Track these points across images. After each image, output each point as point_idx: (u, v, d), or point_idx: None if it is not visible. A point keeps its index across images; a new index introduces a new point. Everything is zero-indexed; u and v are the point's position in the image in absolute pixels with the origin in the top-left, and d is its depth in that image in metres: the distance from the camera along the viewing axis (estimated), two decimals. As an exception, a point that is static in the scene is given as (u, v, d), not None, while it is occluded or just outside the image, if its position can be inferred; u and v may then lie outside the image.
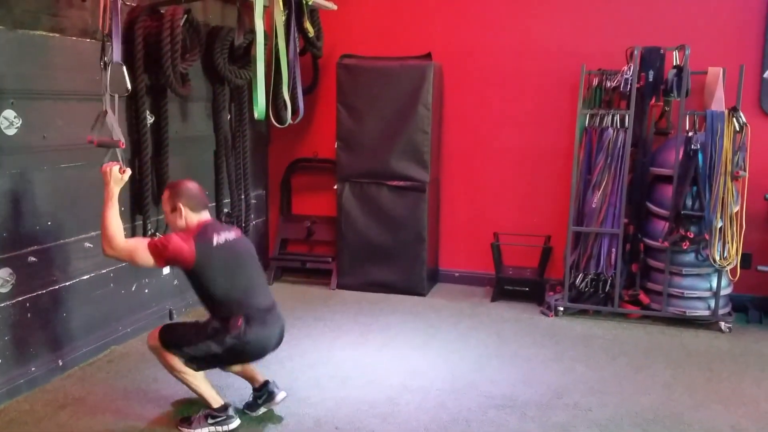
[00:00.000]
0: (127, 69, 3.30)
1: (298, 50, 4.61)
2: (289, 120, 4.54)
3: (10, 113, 3.17)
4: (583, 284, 4.67)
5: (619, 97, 4.59)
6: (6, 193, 3.23)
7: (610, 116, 4.52)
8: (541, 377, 3.70)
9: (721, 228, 4.35)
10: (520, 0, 5.10)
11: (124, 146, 3.17)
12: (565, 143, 4.99)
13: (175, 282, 4.44)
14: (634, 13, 4.85)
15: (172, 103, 4.22)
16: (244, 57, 4.57)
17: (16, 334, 3.32)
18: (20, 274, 3.31)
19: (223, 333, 2.98)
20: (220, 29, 4.48)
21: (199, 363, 3.04)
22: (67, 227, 3.60)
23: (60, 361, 3.61)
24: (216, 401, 3.09)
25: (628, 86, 4.41)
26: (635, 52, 4.40)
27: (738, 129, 4.26)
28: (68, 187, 3.58)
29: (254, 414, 3.20)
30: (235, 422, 3.09)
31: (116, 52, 3.15)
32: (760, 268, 4.63)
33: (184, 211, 3.05)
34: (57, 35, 3.45)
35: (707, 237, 4.34)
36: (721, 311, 4.46)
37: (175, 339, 3.02)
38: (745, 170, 4.35)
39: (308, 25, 4.69)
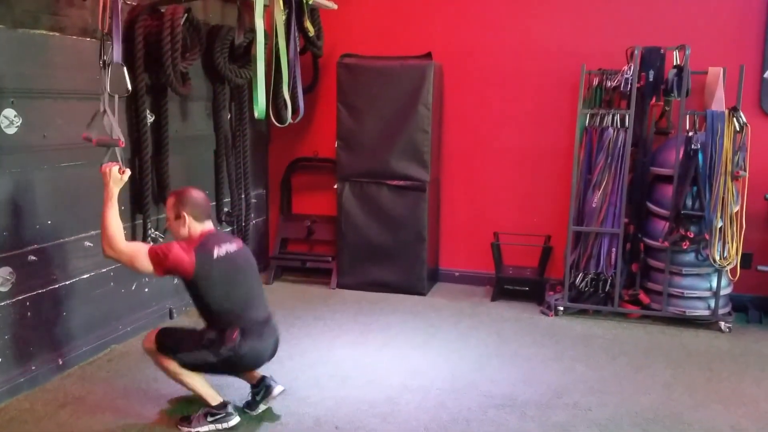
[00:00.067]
0: (128, 68, 3.30)
1: (298, 49, 4.60)
2: (290, 119, 4.53)
3: (10, 112, 3.17)
4: (583, 284, 4.67)
5: (620, 97, 4.59)
6: (6, 192, 3.23)
7: (611, 116, 4.52)
8: (541, 377, 3.70)
9: (721, 228, 4.35)
10: (521, 0, 5.10)
11: (123, 145, 3.18)
12: (565, 143, 4.99)
13: (175, 281, 4.42)
14: (635, 13, 4.84)
15: (173, 102, 4.22)
16: (244, 56, 4.57)
17: (16, 333, 3.33)
18: (20, 273, 3.31)
19: (218, 344, 3.01)
20: (220, 28, 4.49)
21: (194, 368, 3.06)
22: (67, 226, 3.60)
23: (60, 360, 3.61)
24: (214, 399, 3.10)
25: (629, 86, 4.41)
26: (635, 52, 4.40)
27: (738, 129, 4.26)
28: (68, 186, 3.58)
29: (254, 412, 3.20)
30: (235, 419, 3.10)
31: (116, 52, 3.15)
32: (760, 268, 4.63)
33: (188, 219, 3.06)
34: (57, 34, 3.45)
35: (707, 237, 4.34)
36: (721, 311, 4.46)
37: (170, 344, 3.05)
38: (745, 170, 4.34)
39: (308, 25, 4.68)
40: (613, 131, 4.51)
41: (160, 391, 3.40)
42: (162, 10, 3.95)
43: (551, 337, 4.31)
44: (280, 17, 4.35)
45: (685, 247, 4.37)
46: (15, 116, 3.20)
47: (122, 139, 3.16)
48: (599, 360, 3.95)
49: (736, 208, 4.36)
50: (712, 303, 4.44)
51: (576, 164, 4.61)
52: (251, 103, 4.46)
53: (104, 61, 3.17)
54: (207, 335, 3.04)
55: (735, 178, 4.30)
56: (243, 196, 4.90)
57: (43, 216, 3.45)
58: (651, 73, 4.41)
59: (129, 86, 3.32)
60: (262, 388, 3.21)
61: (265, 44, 4.06)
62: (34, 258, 3.40)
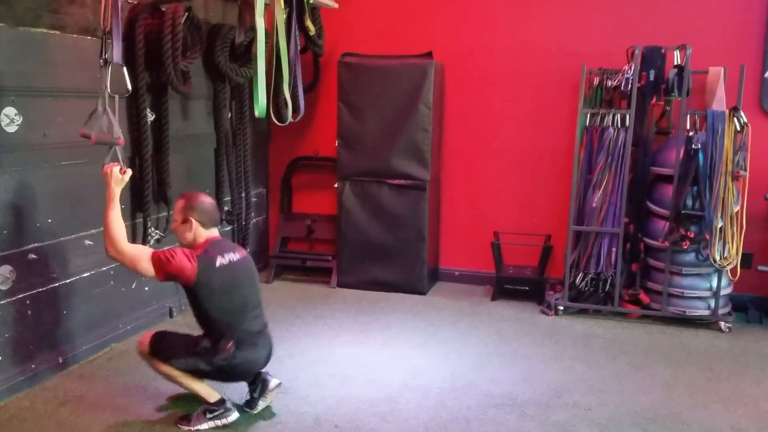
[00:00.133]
0: (128, 67, 3.31)
1: (299, 48, 4.59)
2: (290, 118, 4.53)
3: (10, 110, 3.17)
4: (583, 283, 4.67)
5: (620, 97, 4.59)
6: (6, 191, 3.23)
7: (611, 115, 4.52)
8: (541, 376, 3.70)
9: (721, 228, 4.35)
10: (521, 0, 5.10)
11: (123, 144, 3.17)
12: (565, 143, 4.99)
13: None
14: (635, 12, 4.84)
15: (173, 100, 4.22)
16: (244, 55, 4.57)
17: (16, 332, 3.33)
18: (20, 272, 3.31)
19: (212, 354, 3.03)
20: (221, 27, 4.49)
21: (186, 372, 3.07)
22: (68, 225, 3.60)
23: (60, 358, 3.61)
24: (212, 396, 3.11)
25: (629, 85, 4.41)
26: (636, 52, 4.40)
27: (739, 129, 4.26)
28: (68, 185, 3.58)
29: (255, 411, 3.20)
30: (234, 414, 3.11)
31: (117, 51, 3.15)
32: (760, 268, 4.63)
33: (195, 225, 3.07)
34: (58, 33, 3.45)
35: (707, 237, 4.34)
36: (721, 311, 4.46)
37: (164, 350, 3.06)
38: (745, 170, 4.34)
39: (309, 23, 4.68)
40: (614, 131, 4.51)
41: (160, 390, 3.40)
42: (163, 9, 3.95)
43: (551, 337, 4.31)
44: (280, 16, 4.34)
45: (686, 247, 4.37)
46: (15, 115, 3.20)
47: (122, 138, 3.16)
48: (599, 360, 3.95)
49: (737, 208, 4.36)
50: (712, 303, 4.44)
51: (576, 164, 4.60)
52: (252, 102, 4.45)
53: (105, 60, 3.17)
54: (201, 343, 3.06)
55: (735, 178, 4.30)
56: (243, 194, 4.90)
57: (44, 214, 3.45)
58: (652, 73, 4.41)
59: (129, 86, 3.31)
60: (258, 384, 3.21)
61: (266, 43, 4.06)
62: (34, 256, 3.40)
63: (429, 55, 5.03)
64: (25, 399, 3.31)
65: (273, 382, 3.22)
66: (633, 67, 4.40)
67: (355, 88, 5.11)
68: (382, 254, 5.18)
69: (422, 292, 5.15)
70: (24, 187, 3.33)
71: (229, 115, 4.81)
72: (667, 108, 4.63)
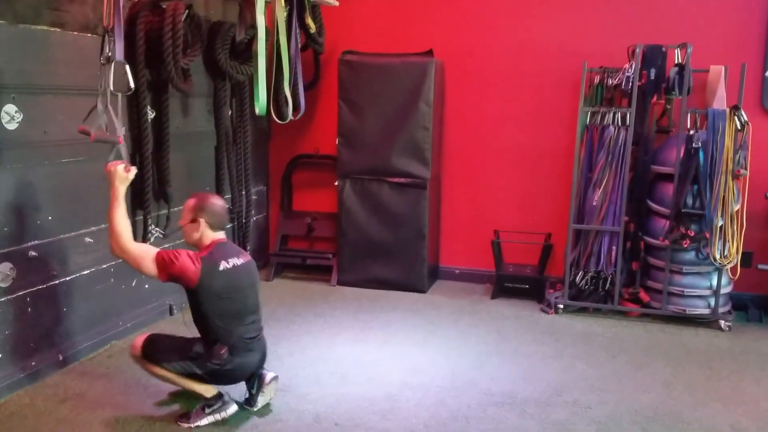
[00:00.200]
0: (129, 64, 3.29)
1: (299, 46, 4.61)
2: (290, 116, 4.54)
3: (11, 108, 3.17)
4: (584, 282, 4.67)
5: (621, 95, 4.58)
6: (7, 188, 3.23)
7: (612, 114, 4.52)
8: (540, 375, 3.70)
9: (721, 226, 4.35)
10: (522, -1, 5.11)
11: (123, 142, 3.17)
12: (565, 141, 4.99)
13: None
14: (636, 11, 4.84)
15: (174, 98, 4.21)
16: (245, 53, 4.56)
17: (16, 329, 3.33)
18: (21, 269, 3.31)
19: (205, 359, 3.04)
20: (221, 25, 4.48)
21: (179, 374, 3.08)
22: (68, 222, 3.60)
23: (60, 355, 3.61)
24: (208, 391, 3.12)
25: (630, 84, 4.41)
26: (637, 50, 4.39)
27: (739, 127, 4.26)
28: (69, 182, 3.58)
29: (254, 408, 3.20)
30: (232, 407, 3.13)
31: (119, 49, 3.14)
32: (760, 266, 4.63)
33: (203, 226, 3.08)
34: (58, 30, 3.44)
35: (708, 235, 4.34)
36: (721, 310, 4.46)
37: (156, 354, 3.07)
38: (746, 169, 4.34)
39: (310, 21, 4.69)
40: (614, 129, 4.51)
41: (160, 387, 3.39)
42: (163, 6, 3.94)
43: (551, 335, 4.31)
44: (281, 14, 4.35)
45: (686, 246, 4.37)
46: (16, 112, 3.19)
47: (122, 136, 3.15)
48: (599, 358, 3.95)
49: (737, 207, 4.36)
50: (712, 301, 4.44)
51: (577, 162, 4.60)
52: (252, 100, 4.47)
53: (107, 57, 3.16)
54: (195, 348, 3.06)
55: (736, 176, 4.30)
56: (244, 192, 4.90)
57: (44, 212, 3.45)
58: (652, 72, 4.40)
59: (132, 84, 3.31)
60: (254, 379, 3.22)
61: (267, 41, 4.06)
62: (34, 254, 3.39)
63: (429, 53, 5.02)
64: (25, 396, 3.31)
65: (269, 376, 3.23)
66: (634, 66, 4.40)
67: (355, 86, 5.10)
68: (382, 252, 5.18)
69: (422, 291, 5.15)
70: (24, 185, 3.33)
71: (230, 113, 4.81)
72: (668, 106, 4.62)
